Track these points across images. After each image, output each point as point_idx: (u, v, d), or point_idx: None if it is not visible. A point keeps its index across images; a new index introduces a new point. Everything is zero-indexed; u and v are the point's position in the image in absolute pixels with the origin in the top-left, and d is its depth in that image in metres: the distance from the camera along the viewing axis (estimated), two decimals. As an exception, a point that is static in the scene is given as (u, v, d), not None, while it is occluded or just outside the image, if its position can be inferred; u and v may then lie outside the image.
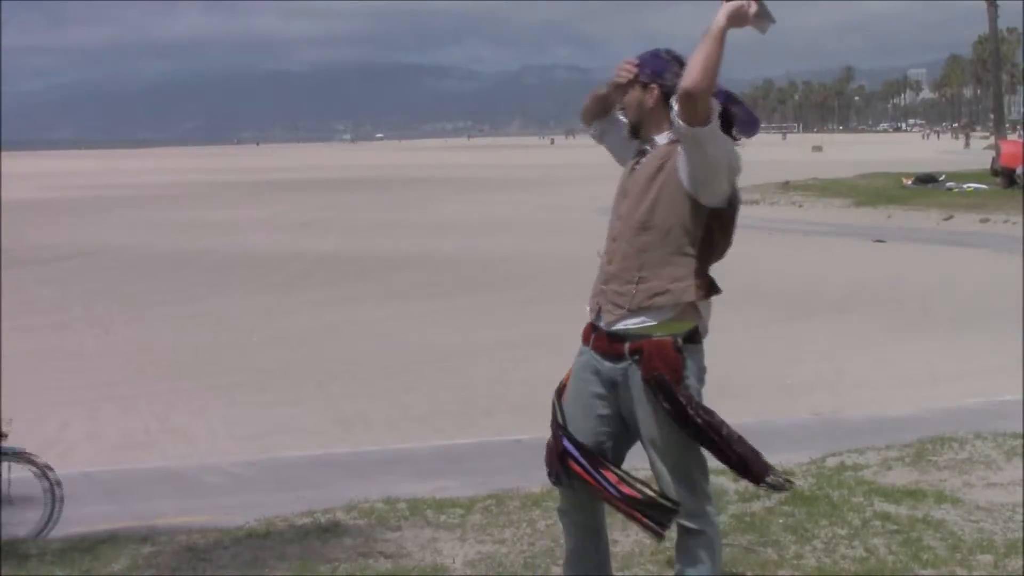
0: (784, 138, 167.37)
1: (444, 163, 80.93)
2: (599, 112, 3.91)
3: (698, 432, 3.60)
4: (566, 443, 3.74)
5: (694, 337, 3.66)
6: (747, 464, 3.65)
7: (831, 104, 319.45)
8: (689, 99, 3.40)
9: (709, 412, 3.61)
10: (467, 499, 6.07)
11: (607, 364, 3.68)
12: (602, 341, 3.70)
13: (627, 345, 3.62)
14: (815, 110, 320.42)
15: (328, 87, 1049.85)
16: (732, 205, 3.70)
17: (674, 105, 3.47)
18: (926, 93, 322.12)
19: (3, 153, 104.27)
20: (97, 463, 8.65)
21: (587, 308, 3.77)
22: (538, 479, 6.58)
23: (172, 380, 11.95)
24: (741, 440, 3.63)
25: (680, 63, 3.59)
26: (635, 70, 3.68)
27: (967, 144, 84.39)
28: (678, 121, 3.45)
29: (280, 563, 5.03)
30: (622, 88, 3.73)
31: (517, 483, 6.50)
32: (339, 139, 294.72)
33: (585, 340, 3.78)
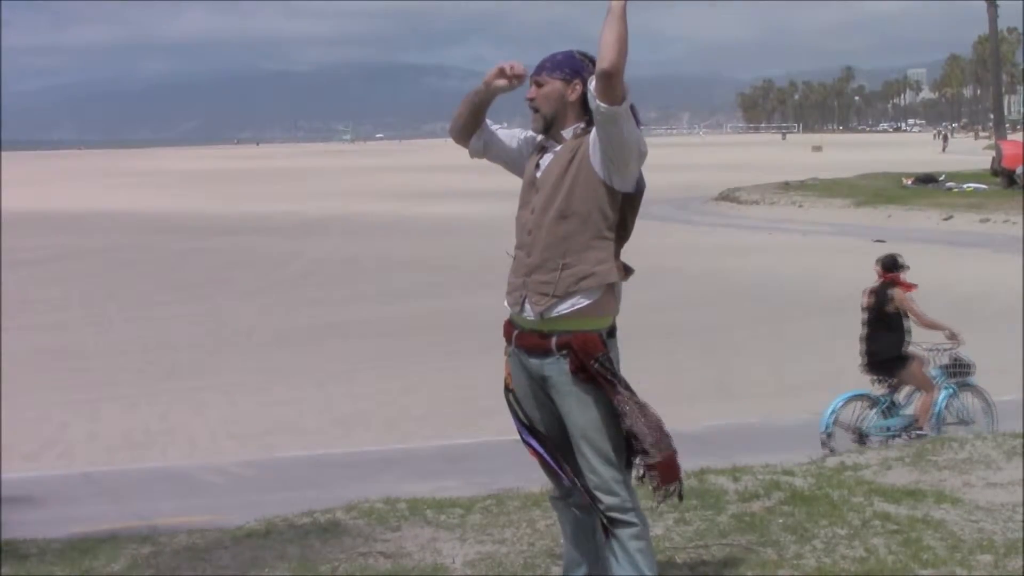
0: (784, 138, 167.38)
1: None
2: (474, 124, 4.03)
3: (629, 416, 3.71)
4: (526, 436, 3.91)
5: (612, 332, 3.83)
6: (671, 462, 3.75)
7: (831, 104, 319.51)
8: (608, 79, 3.55)
9: (638, 400, 3.75)
10: (467, 499, 6.07)
11: (533, 361, 3.80)
12: (526, 338, 3.81)
13: (554, 340, 3.73)
14: (815, 110, 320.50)
15: (328, 87, 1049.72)
16: (639, 189, 3.85)
17: (591, 87, 3.62)
18: (926, 93, 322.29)
19: (4, 153, 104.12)
20: (97, 463, 8.65)
21: (506, 304, 3.88)
22: (538, 479, 6.59)
23: (172, 380, 11.95)
24: (664, 431, 3.75)
25: (593, 63, 3.73)
26: (525, 69, 3.90)
27: (944, 148, 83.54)
28: (597, 102, 3.59)
29: (280, 563, 5.03)
30: (504, 89, 3.92)
31: (517, 483, 6.50)
32: (339, 139, 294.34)
33: (507, 338, 3.90)
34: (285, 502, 6.34)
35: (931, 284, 19.22)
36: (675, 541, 5.14)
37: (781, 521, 5.41)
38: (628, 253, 3.86)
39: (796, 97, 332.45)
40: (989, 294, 17.63)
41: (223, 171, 76.14)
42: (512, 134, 4.10)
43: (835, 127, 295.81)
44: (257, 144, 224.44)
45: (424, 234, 29.53)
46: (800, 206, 35.11)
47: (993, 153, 42.58)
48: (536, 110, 3.86)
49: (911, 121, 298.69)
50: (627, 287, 3.88)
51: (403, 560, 5.05)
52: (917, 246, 25.56)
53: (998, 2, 52.06)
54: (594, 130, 3.71)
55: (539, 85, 3.86)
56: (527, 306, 3.78)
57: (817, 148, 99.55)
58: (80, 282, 20.92)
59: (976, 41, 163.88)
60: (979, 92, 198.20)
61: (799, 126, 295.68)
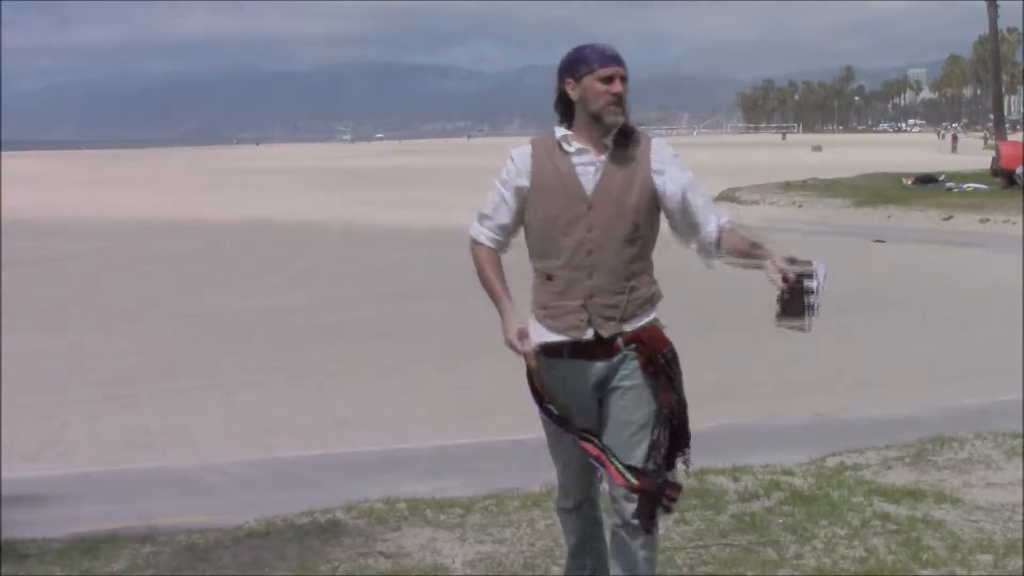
0: (784, 138, 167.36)
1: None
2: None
3: (680, 411, 3.77)
4: (575, 438, 3.79)
5: None
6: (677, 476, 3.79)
7: (831, 104, 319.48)
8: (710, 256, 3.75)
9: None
10: (467, 499, 6.07)
11: (598, 364, 3.71)
12: (587, 348, 3.71)
13: (620, 339, 3.70)
14: (815, 110, 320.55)
15: (328, 87, 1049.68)
16: None
17: (710, 235, 3.70)
18: (926, 93, 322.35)
19: (3, 153, 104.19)
20: (97, 463, 8.64)
21: (539, 324, 3.72)
22: (538, 479, 6.60)
23: (172, 380, 11.94)
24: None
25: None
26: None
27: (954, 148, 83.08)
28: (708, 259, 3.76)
29: (280, 563, 5.04)
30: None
31: (517, 483, 6.50)
32: (339, 139, 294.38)
33: (557, 355, 3.73)
34: (285, 502, 6.34)
35: (931, 284, 19.31)
36: (675, 541, 5.14)
37: (781, 521, 5.42)
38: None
39: (796, 97, 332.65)
40: (989, 294, 17.62)
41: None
42: (505, 199, 3.79)
43: (835, 127, 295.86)
44: (257, 144, 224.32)
45: (424, 234, 29.52)
46: (800, 206, 35.08)
47: (993, 153, 42.59)
48: (620, 106, 3.66)
49: (911, 121, 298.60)
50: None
51: (403, 560, 5.05)
52: (917, 246, 25.59)
53: (998, 2, 52.07)
54: (666, 167, 3.71)
55: (623, 79, 3.69)
56: (590, 331, 3.69)
57: (817, 148, 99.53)
58: (80, 282, 20.91)
59: (976, 41, 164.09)
60: (979, 92, 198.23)
61: (799, 126, 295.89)
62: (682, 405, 3.78)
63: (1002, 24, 61.84)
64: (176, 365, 12.84)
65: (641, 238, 3.70)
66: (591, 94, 3.64)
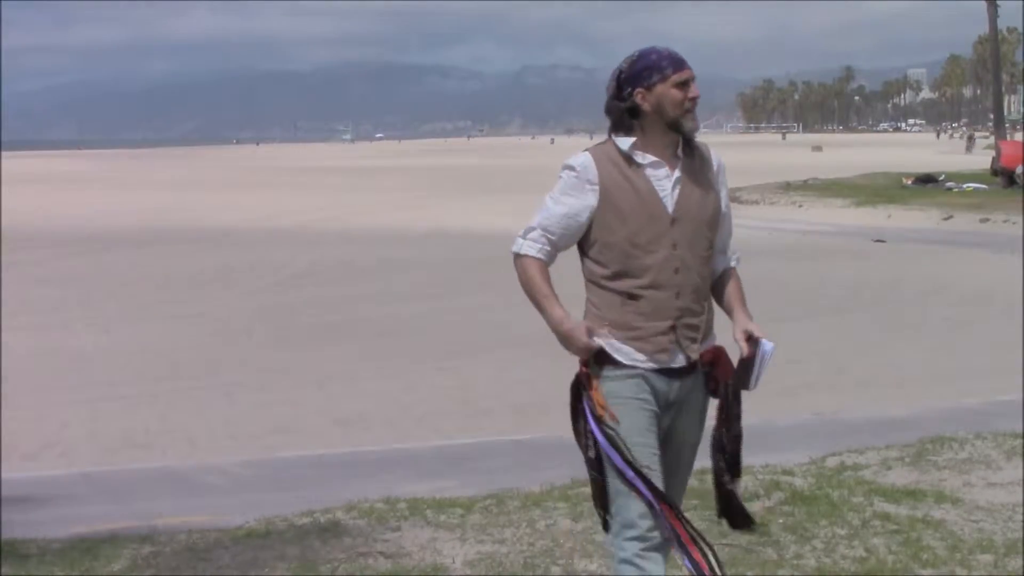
0: (784, 138, 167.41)
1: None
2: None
3: (736, 435, 3.65)
4: (632, 477, 3.45)
5: None
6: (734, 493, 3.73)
7: (831, 104, 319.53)
8: None
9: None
10: (467, 499, 6.07)
11: (675, 384, 3.51)
12: (670, 368, 3.52)
13: (699, 359, 3.56)
14: (815, 110, 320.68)
15: (328, 87, 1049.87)
16: None
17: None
18: (926, 93, 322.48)
19: (4, 153, 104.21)
20: (97, 463, 8.64)
21: (623, 345, 3.47)
22: (538, 479, 6.61)
23: (172, 380, 11.94)
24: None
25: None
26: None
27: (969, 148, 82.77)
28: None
29: (280, 563, 5.04)
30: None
31: (517, 483, 6.51)
32: (339, 139, 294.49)
33: (629, 368, 3.48)
34: (285, 502, 6.34)
35: (931, 284, 19.31)
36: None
37: (781, 521, 5.42)
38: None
39: (796, 97, 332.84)
40: (989, 294, 17.62)
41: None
42: (566, 213, 3.49)
43: (835, 127, 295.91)
44: (257, 144, 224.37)
45: (423, 235, 29.50)
46: (800, 206, 35.08)
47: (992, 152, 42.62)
48: (693, 112, 3.50)
49: (911, 121, 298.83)
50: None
51: (403, 560, 5.05)
52: (917, 246, 25.60)
53: (998, 2, 52.05)
54: (722, 181, 3.61)
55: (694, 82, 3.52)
56: (680, 357, 3.50)
57: (817, 148, 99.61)
58: (80, 282, 20.91)
59: (976, 41, 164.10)
60: (979, 92, 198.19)
61: (799, 126, 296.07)
62: (737, 438, 3.66)
63: (1002, 24, 61.87)
64: (176, 365, 12.84)
65: (715, 251, 3.60)
66: (668, 101, 3.44)
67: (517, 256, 3.52)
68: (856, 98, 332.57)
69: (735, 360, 3.53)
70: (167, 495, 7.69)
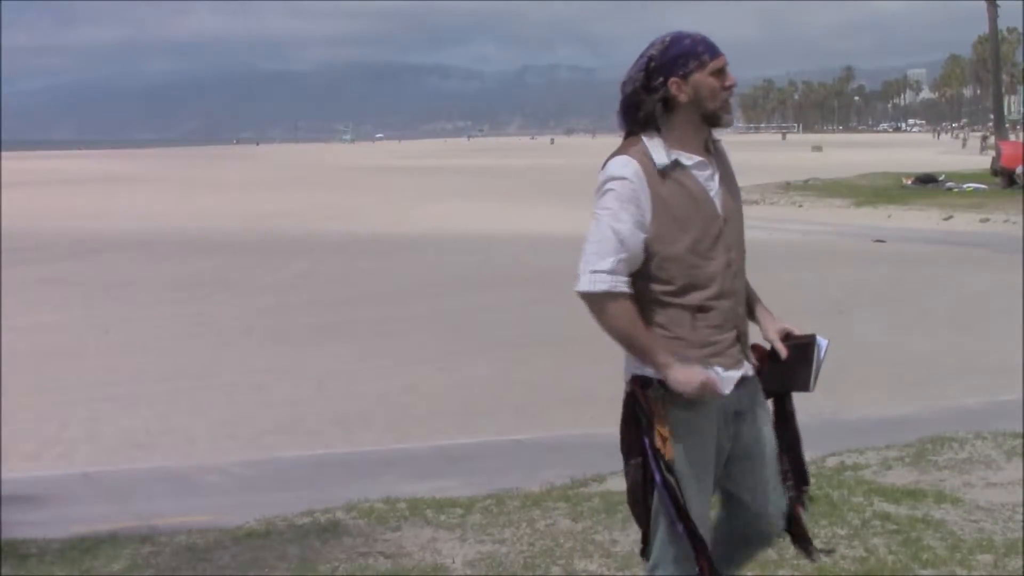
0: (784, 138, 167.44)
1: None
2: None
3: (796, 435, 3.49)
4: (680, 528, 3.16)
5: None
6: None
7: (831, 104, 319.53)
8: None
9: None
10: (467, 499, 6.07)
11: (743, 394, 3.28)
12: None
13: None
14: (815, 110, 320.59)
15: (329, 87, 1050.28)
16: None
17: None
18: (926, 93, 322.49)
19: (4, 153, 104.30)
20: (97, 463, 8.64)
21: (723, 364, 3.21)
22: (538, 479, 6.61)
23: (172, 380, 11.94)
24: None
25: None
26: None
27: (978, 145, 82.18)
28: None
29: (280, 563, 5.04)
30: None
31: (517, 483, 6.51)
32: (339, 139, 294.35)
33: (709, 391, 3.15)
34: (285, 502, 6.34)
35: (931, 284, 19.32)
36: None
37: (781, 521, 5.40)
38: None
39: (796, 97, 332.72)
40: (989, 294, 17.63)
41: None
42: (632, 231, 3.11)
43: (835, 127, 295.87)
44: (257, 144, 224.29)
45: (424, 234, 29.51)
46: (800, 206, 35.10)
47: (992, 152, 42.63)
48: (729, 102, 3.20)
49: (911, 121, 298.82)
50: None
51: (403, 560, 5.05)
52: (917, 246, 25.60)
53: (998, 2, 52.05)
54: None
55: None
56: (747, 366, 3.28)
57: (817, 148, 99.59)
58: (80, 282, 20.91)
59: (976, 41, 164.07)
60: (979, 92, 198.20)
61: (799, 126, 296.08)
62: (796, 438, 3.47)
63: (1002, 24, 61.82)
64: (176, 365, 12.84)
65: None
66: (706, 91, 3.12)
67: (596, 296, 3.08)
68: (856, 98, 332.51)
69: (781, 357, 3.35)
70: (167, 495, 7.69)
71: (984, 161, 48.82)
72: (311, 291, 19.29)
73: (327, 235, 29.39)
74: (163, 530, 5.75)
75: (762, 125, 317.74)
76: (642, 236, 3.09)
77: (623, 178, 3.09)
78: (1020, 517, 5.49)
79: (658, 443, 3.10)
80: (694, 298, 3.14)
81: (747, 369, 3.27)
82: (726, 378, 3.19)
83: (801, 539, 3.49)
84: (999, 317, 14.96)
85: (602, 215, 3.10)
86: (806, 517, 3.53)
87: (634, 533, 4.96)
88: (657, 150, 3.13)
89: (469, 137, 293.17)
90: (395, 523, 5.61)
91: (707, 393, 3.06)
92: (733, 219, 3.24)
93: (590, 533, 5.33)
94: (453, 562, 5.02)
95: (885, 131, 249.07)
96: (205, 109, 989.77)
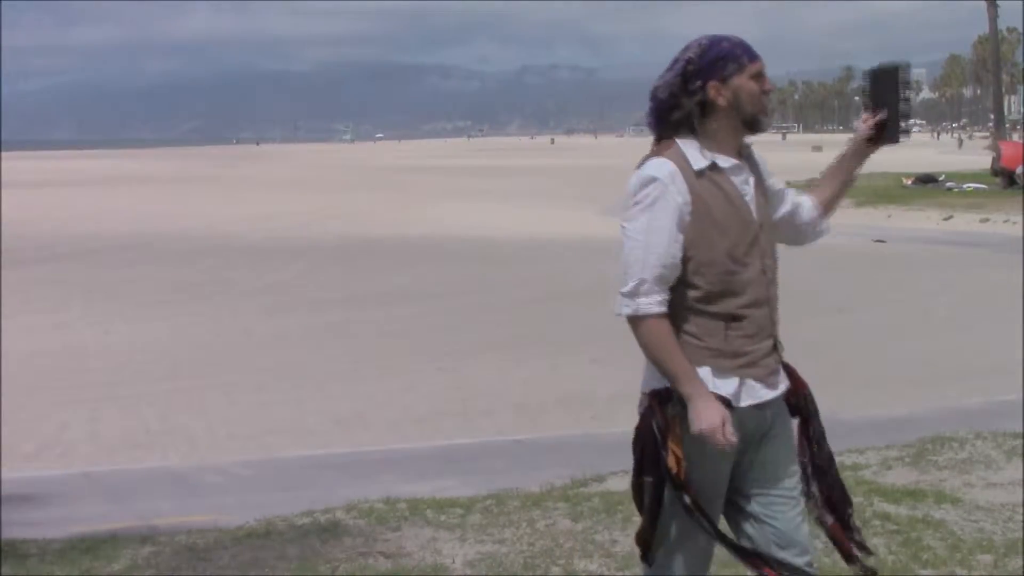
0: (784, 138, 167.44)
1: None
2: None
3: (829, 457, 3.34)
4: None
5: None
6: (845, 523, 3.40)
7: (831, 104, 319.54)
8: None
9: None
10: (467, 499, 6.07)
11: (768, 412, 3.15)
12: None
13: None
14: (815, 110, 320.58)
15: (329, 87, 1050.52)
16: None
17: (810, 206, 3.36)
18: (926, 93, 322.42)
19: (5, 153, 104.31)
20: (97, 463, 8.65)
21: (757, 376, 3.11)
22: (538, 479, 6.61)
23: (172, 380, 11.94)
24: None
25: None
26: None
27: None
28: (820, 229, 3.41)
29: (280, 563, 5.04)
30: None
31: (517, 483, 6.51)
32: (339, 139, 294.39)
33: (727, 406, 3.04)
34: (285, 502, 6.34)
35: (931, 284, 19.32)
36: None
37: (781, 521, 5.40)
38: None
39: (796, 97, 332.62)
40: (989, 294, 17.63)
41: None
42: (676, 237, 3.01)
43: (835, 127, 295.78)
44: (257, 144, 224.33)
45: (423, 235, 29.51)
46: (800, 206, 35.09)
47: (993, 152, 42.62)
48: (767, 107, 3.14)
49: (911, 121, 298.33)
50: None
51: (403, 560, 5.05)
52: (917, 246, 25.61)
53: (998, 2, 52.09)
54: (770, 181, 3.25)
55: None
56: (781, 380, 3.19)
57: (817, 148, 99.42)
58: (80, 282, 20.92)
59: (976, 41, 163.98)
60: (979, 92, 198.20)
61: (799, 126, 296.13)
62: (826, 457, 3.33)
63: (1002, 24, 61.95)
64: (176, 365, 12.84)
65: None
66: (746, 95, 3.05)
67: (637, 319, 2.99)
68: (856, 98, 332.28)
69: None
70: (167, 495, 7.70)
71: (972, 160, 48.85)
72: (311, 291, 19.32)
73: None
74: (163, 530, 5.76)
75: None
76: (681, 240, 2.99)
77: (657, 180, 3.00)
78: (1020, 517, 5.49)
79: (671, 462, 3.00)
80: (728, 305, 3.04)
81: (783, 386, 3.18)
82: (760, 395, 3.10)
83: (849, 557, 3.40)
84: (999, 317, 14.96)
85: (637, 223, 3.01)
86: (855, 535, 3.43)
87: (634, 533, 4.97)
88: (693, 152, 3.05)
89: (469, 137, 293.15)
90: (395, 523, 5.61)
91: (717, 443, 2.94)
92: (768, 226, 3.16)
93: (590, 533, 5.33)
94: (453, 562, 5.02)
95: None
96: (205, 109, 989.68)
